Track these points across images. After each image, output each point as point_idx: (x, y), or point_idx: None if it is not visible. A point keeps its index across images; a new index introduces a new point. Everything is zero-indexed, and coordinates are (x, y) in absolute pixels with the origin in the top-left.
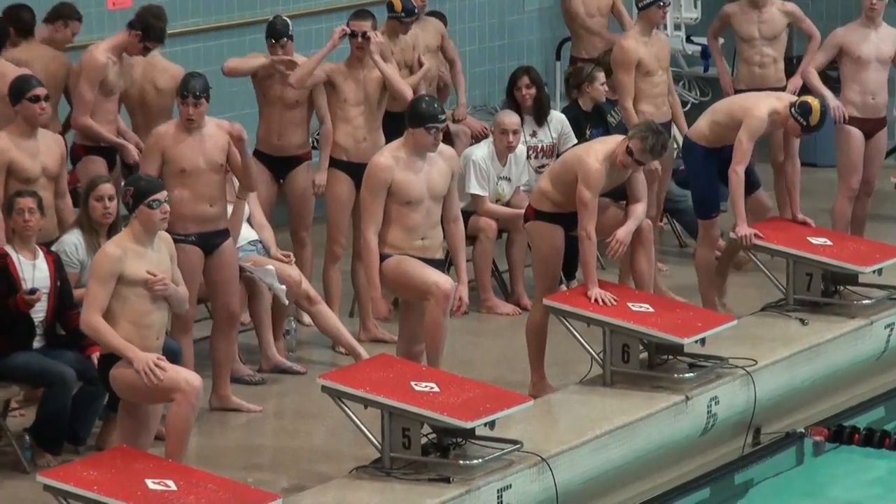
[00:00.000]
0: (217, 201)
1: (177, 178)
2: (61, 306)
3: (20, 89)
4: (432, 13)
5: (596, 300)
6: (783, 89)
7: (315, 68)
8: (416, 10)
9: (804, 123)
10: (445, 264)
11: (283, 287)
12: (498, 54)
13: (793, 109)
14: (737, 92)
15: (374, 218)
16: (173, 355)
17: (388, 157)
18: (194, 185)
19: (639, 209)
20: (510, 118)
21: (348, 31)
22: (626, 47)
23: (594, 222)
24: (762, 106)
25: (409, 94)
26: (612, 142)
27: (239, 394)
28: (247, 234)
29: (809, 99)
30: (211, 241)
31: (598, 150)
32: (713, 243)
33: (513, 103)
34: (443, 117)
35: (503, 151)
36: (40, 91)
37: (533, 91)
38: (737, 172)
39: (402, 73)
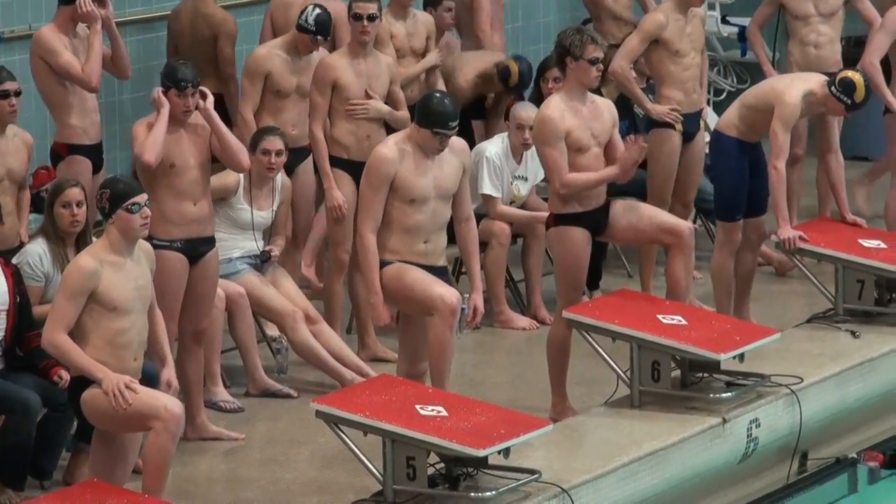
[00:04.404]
0: (200, 199)
1: (163, 176)
2: (20, 325)
3: None
4: None
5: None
6: None
7: None
8: None
9: (848, 101)
10: (451, 272)
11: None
12: (512, 38)
13: (832, 88)
14: None
15: (372, 215)
16: (151, 379)
17: (393, 149)
18: (180, 182)
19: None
20: (527, 112)
21: None
22: (651, 17)
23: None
24: (793, 90)
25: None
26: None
27: (221, 421)
28: (246, 245)
29: (849, 73)
30: (197, 248)
31: (550, 98)
32: (732, 249)
33: (538, 95)
34: (453, 124)
35: (518, 148)
36: (11, 86)
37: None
38: (776, 168)
39: (408, 62)
